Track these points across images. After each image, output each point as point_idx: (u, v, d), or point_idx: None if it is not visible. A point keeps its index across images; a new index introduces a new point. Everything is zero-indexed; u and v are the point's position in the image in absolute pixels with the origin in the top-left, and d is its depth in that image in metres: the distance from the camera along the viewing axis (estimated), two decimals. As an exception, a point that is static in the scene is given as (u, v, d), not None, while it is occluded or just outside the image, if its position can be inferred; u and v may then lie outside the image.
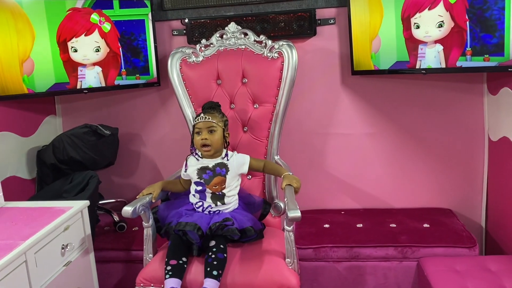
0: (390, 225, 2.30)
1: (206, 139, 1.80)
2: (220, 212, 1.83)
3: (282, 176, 1.80)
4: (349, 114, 2.51)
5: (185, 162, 1.90)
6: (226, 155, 1.87)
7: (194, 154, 1.90)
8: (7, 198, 1.94)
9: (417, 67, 2.15)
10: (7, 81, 2.23)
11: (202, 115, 1.83)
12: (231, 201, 1.85)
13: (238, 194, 1.91)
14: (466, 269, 1.88)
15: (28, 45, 2.26)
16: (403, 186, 2.54)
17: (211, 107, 1.88)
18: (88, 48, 2.38)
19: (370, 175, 2.55)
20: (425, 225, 2.27)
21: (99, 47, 2.39)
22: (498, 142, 2.20)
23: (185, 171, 1.88)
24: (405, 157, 2.51)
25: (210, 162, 1.84)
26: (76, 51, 2.36)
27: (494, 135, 2.25)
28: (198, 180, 1.83)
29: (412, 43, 2.15)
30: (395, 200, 2.56)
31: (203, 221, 1.74)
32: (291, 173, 1.81)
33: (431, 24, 2.06)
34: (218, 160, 1.85)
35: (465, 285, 1.77)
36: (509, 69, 1.86)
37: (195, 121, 1.84)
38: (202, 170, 1.83)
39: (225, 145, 1.89)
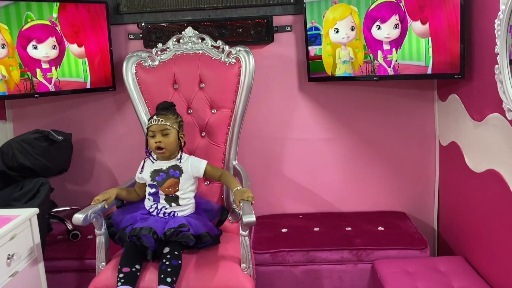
0: (346, 229, 2.34)
1: (160, 142, 1.79)
2: (175, 214, 1.81)
3: (233, 192, 1.78)
4: (306, 120, 2.54)
5: (141, 165, 1.89)
6: (181, 157, 1.85)
7: (149, 156, 1.87)
8: (-50, 206, 1.84)
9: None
10: None
11: (155, 117, 1.81)
12: (187, 204, 1.84)
13: (196, 200, 1.90)
14: (417, 270, 1.94)
15: None
16: (359, 190, 2.59)
17: (165, 108, 1.87)
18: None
19: (327, 179, 2.59)
20: (380, 228, 2.32)
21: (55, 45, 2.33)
22: (447, 147, 2.29)
23: (140, 173, 1.86)
24: (360, 162, 2.56)
25: (164, 165, 1.84)
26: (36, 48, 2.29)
27: (444, 140, 2.34)
28: (152, 182, 1.83)
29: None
30: (351, 203, 2.61)
31: (158, 226, 1.72)
32: (240, 187, 1.79)
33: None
34: (172, 162, 1.85)
35: (416, 285, 1.82)
36: (455, 76, 1.94)
37: (149, 124, 1.82)
38: (155, 173, 1.83)
39: (180, 147, 1.88)
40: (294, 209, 2.63)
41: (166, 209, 1.82)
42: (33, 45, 2.27)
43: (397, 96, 2.47)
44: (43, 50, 2.30)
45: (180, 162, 1.85)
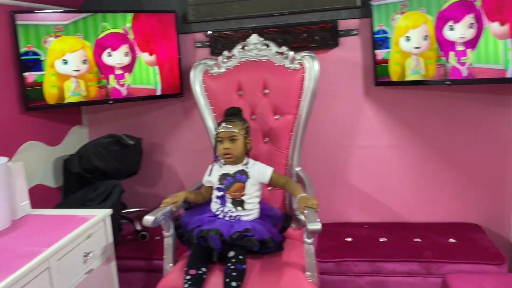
0: (414, 240, 2.24)
1: (228, 148, 1.83)
2: (241, 218, 1.83)
3: (297, 199, 1.77)
4: (372, 126, 2.47)
5: (209, 168, 1.93)
6: (247, 162, 1.88)
7: (217, 161, 1.91)
8: (34, 205, 1.98)
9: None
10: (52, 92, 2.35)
11: (223, 124, 1.85)
12: (252, 209, 1.85)
13: (261, 206, 1.91)
14: (495, 287, 1.81)
15: None
16: (428, 199, 2.48)
17: (232, 114, 1.90)
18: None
19: (394, 187, 2.50)
20: (451, 240, 2.20)
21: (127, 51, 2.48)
22: (528, 155, 2.13)
23: (209, 176, 1.91)
24: (430, 170, 2.45)
25: (231, 169, 1.87)
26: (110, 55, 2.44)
27: (523, 148, 2.17)
28: (219, 185, 1.86)
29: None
30: (419, 214, 2.49)
31: (224, 228, 1.75)
32: (304, 194, 1.78)
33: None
34: (239, 167, 1.87)
35: (493, 303, 1.70)
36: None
37: (217, 130, 1.87)
38: (223, 177, 1.86)
39: (247, 152, 1.90)
40: (359, 218, 2.56)
41: (232, 212, 1.84)
42: (108, 52, 2.41)
43: (471, 101, 2.33)
44: (117, 57, 2.43)
45: (247, 167, 1.87)
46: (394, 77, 2.27)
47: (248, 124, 1.93)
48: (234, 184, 1.84)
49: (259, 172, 1.87)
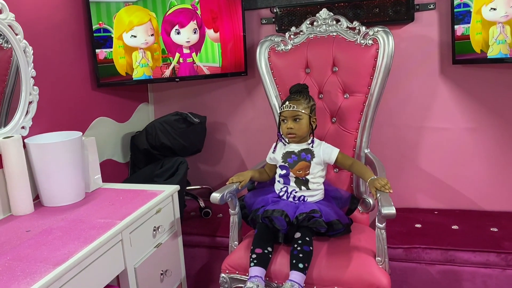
0: (491, 229, 2.10)
1: (291, 128, 1.79)
2: (305, 199, 1.79)
3: (368, 182, 1.70)
4: (447, 107, 2.32)
5: (273, 145, 1.91)
6: (312, 141, 1.83)
7: (281, 139, 1.88)
8: (104, 179, 2.05)
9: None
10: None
11: (287, 103, 1.80)
12: (316, 189, 1.81)
13: (326, 187, 1.86)
14: None
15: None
16: (506, 187, 2.31)
17: (297, 91, 1.84)
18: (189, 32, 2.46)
19: (469, 173, 2.35)
20: (533, 232, 2.04)
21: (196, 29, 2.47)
22: None
23: (273, 152, 1.89)
24: (509, 155, 2.27)
25: (296, 147, 1.83)
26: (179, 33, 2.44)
27: None
28: (283, 164, 1.83)
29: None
30: (496, 202, 2.33)
31: (289, 209, 1.72)
32: (375, 177, 1.70)
33: None
34: (304, 145, 1.83)
35: None
36: None
37: (281, 109, 1.82)
38: (287, 154, 1.83)
39: (312, 131, 1.84)
40: (429, 204, 2.44)
41: (296, 192, 1.80)
42: (175, 29, 2.41)
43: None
44: (185, 35, 2.43)
45: (312, 146, 1.82)
46: (477, 48, 2.09)
47: (314, 102, 1.86)
48: (298, 162, 1.80)
49: (325, 152, 1.81)
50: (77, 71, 2.23)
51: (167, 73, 2.46)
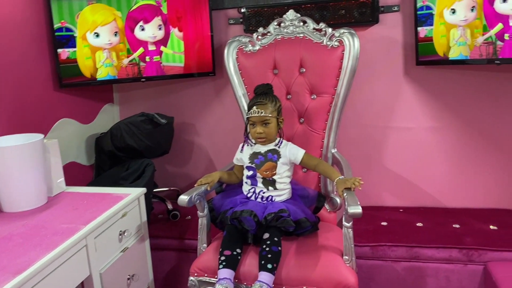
0: (453, 226, 2.17)
1: (261, 133, 1.79)
2: (273, 199, 1.80)
3: (335, 182, 1.72)
4: (411, 107, 2.38)
5: (241, 146, 1.91)
6: (280, 142, 1.84)
7: (247, 141, 1.89)
8: (67, 183, 1.99)
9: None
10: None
11: (255, 108, 1.79)
12: (283, 188, 1.82)
13: (293, 186, 1.87)
14: (541, 276, 1.73)
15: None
16: (467, 184, 2.39)
17: (263, 93, 1.84)
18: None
19: (432, 172, 2.42)
20: (492, 227, 2.12)
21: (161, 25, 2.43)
22: None
23: (241, 152, 1.89)
24: (471, 154, 2.35)
25: (263, 148, 1.84)
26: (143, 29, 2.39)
27: None
28: (250, 164, 1.83)
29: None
30: (458, 199, 2.41)
31: (258, 209, 1.72)
32: (342, 177, 1.72)
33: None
34: (271, 146, 1.84)
35: (541, 294, 1.63)
36: None
37: (249, 114, 1.82)
38: (254, 155, 1.84)
39: (279, 132, 1.87)
40: (394, 202, 2.50)
41: (263, 193, 1.81)
42: (140, 26, 2.37)
43: (518, 82, 2.22)
44: (150, 31, 2.39)
45: (278, 147, 1.83)
46: (440, 51, 2.15)
47: (280, 103, 1.87)
48: (265, 163, 1.81)
49: (291, 152, 1.83)
50: (38, 71, 2.15)
51: (125, 61, 2.40)
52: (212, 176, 1.83)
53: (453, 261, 1.99)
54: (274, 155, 1.81)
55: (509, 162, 2.31)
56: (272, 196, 1.81)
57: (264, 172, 1.80)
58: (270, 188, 1.81)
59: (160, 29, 2.40)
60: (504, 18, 1.92)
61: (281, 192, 1.82)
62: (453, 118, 2.34)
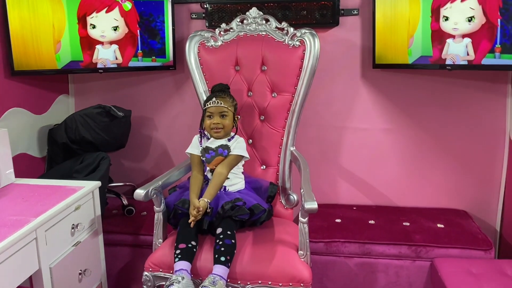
0: (404, 224, 2.25)
1: (218, 123, 1.82)
2: (227, 188, 1.83)
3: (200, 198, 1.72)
4: (367, 109, 2.45)
5: (198, 138, 1.91)
6: (232, 137, 1.88)
7: (202, 135, 1.90)
8: (17, 175, 1.91)
9: (445, 62, 2.09)
10: (43, 58, 2.26)
11: (214, 99, 1.83)
12: (235, 177, 1.86)
13: (246, 179, 1.91)
14: (482, 272, 1.84)
15: (61, 24, 2.28)
16: (418, 184, 2.49)
17: (221, 90, 1.89)
18: (107, 25, 2.33)
19: (385, 171, 2.50)
20: (440, 225, 2.22)
21: (117, 26, 2.35)
22: (519, 145, 2.15)
23: (200, 145, 1.88)
24: (421, 155, 2.45)
25: (214, 143, 1.86)
26: (94, 27, 2.32)
27: (516, 137, 2.19)
28: (202, 158, 1.87)
29: (439, 36, 2.09)
30: (408, 198, 2.51)
31: (213, 200, 1.73)
32: (207, 200, 1.70)
33: (461, 16, 2.00)
34: (222, 141, 1.86)
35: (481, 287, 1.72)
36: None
37: (207, 105, 1.84)
38: (205, 150, 1.86)
39: (234, 128, 1.91)
40: (348, 200, 2.56)
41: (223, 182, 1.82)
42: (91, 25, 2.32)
43: (467, 87, 2.33)
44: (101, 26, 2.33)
45: (229, 140, 1.86)
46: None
47: (237, 102, 1.92)
48: (215, 157, 1.84)
49: (237, 147, 1.84)
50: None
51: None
52: (194, 203, 1.70)
53: (402, 257, 2.07)
54: (225, 150, 1.84)
55: (457, 164, 2.43)
56: (225, 187, 1.83)
57: (214, 166, 1.83)
58: None
59: (115, 30, 2.36)
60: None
61: (234, 182, 1.85)
62: (405, 120, 2.43)
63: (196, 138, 1.92)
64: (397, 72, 2.37)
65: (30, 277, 1.49)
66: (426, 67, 2.20)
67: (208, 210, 1.69)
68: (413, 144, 2.45)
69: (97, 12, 2.31)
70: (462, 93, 2.35)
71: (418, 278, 2.06)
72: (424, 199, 2.49)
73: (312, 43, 2.00)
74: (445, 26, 2.07)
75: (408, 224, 2.25)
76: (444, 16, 2.06)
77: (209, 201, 1.70)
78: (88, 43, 2.35)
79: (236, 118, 1.89)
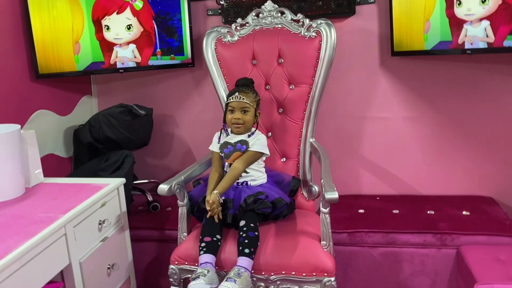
0: (428, 212, 2.23)
1: (239, 118, 1.82)
2: (248, 182, 1.84)
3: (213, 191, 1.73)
4: (387, 97, 2.43)
5: (218, 135, 1.92)
6: (252, 133, 1.88)
7: (224, 130, 1.91)
8: (45, 174, 1.97)
9: (464, 46, 2.05)
10: (62, 61, 2.32)
11: (236, 94, 1.83)
12: (256, 172, 1.86)
13: (268, 173, 1.92)
14: (510, 258, 1.80)
15: (80, 26, 2.33)
16: (442, 172, 2.45)
17: (245, 85, 1.89)
18: (120, 26, 2.38)
19: (408, 160, 2.48)
20: (465, 213, 2.19)
21: (131, 25, 2.39)
22: (546, 128, 2.09)
23: (218, 142, 1.90)
24: (444, 143, 2.42)
25: (234, 139, 1.86)
26: (108, 29, 2.37)
27: (542, 121, 2.13)
28: (220, 154, 1.88)
29: (456, 22, 2.05)
30: (433, 186, 2.48)
31: (235, 194, 1.76)
32: (216, 192, 1.71)
33: (474, 0, 1.96)
34: (242, 137, 1.86)
35: (510, 274, 1.69)
36: None
37: (229, 99, 1.84)
38: (224, 145, 1.87)
39: (255, 124, 1.91)
40: (371, 190, 2.54)
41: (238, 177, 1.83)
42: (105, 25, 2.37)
43: (489, 72, 2.28)
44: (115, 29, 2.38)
45: (249, 136, 1.87)
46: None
47: (259, 97, 1.92)
48: (233, 153, 1.84)
49: (256, 143, 1.84)
50: (15, 62, 2.12)
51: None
52: (213, 198, 1.70)
53: (427, 246, 2.04)
54: (243, 145, 1.84)
55: (481, 150, 2.38)
56: (246, 181, 1.84)
57: (232, 162, 1.84)
58: (243, 173, 1.83)
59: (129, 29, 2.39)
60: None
61: (254, 176, 1.85)
62: (427, 107, 2.40)
63: (216, 135, 1.93)
64: (416, 59, 2.34)
65: (62, 272, 1.54)
66: (446, 53, 2.16)
67: (221, 201, 1.70)
68: (436, 131, 2.42)
69: (109, 15, 2.36)
70: (484, 77, 2.30)
71: (444, 266, 2.04)
72: (449, 186, 2.45)
73: (328, 33, 1.99)
74: (459, 12, 2.02)
75: (432, 212, 2.23)
76: (457, 1, 2.02)
77: (218, 193, 1.70)
78: (107, 45, 2.40)
79: (257, 114, 1.89)
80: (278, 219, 1.83)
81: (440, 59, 2.32)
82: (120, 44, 2.40)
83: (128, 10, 2.37)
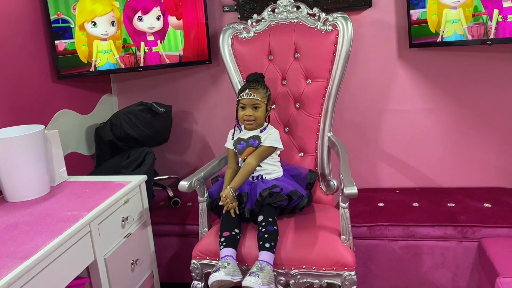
0: (448, 204, 2.21)
1: (250, 115, 1.84)
2: (263, 176, 1.85)
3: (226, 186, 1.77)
4: (405, 89, 2.41)
5: (232, 132, 1.95)
6: (265, 128, 1.89)
7: (237, 126, 1.94)
8: (69, 173, 2.03)
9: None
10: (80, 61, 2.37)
11: (247, 91, 1.84)
12: (271, 165, 1.87)
13: (284, 167, 1.93)
14: (533, 251, 1.78)
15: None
16: (462, 164, 2.43)
17: (255, 80, 1.90)
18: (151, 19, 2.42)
19: (427, 152, 2.46)
20: (486, 205, 2.16)
21: (160, 15, 2.42)
22: None
23: (232, 139, 1.93)
24: (464, 134, 2.39)
25: (247, 134, 1.88)
26: (141, 20, 2.40)
27: None
28: (234, 150, 1.91)
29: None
30: (453, 179, 2.45)
31: (251, 189, 1.78)
32: (230, 187, 1.73)
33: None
34: (255, 132, 1.88)
35: (532, 267, 1.68)
36: None
37: (240, 97, 1.86)
38: (237, 141, 1.89)
39: (267, 119, 1.92)
40: (390, 183, 2.53)
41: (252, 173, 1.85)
42: (138, 16, 2.38)
43: (510, 61, 2.24)
44: (148, 21, 2.40)
45: (261, 131, 1.88)
46: (432, 28, 2.17)
47: (270, 92, 1.93)
48: (246, 148, 1.86)
49: (266, 139, 1.85)
50: (36, 63, 2.17)
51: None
52: (227, 194, 1.73)
53: (448, 239, 2.03)
54: (256, 141, 1.86)
55: (502, 142, 2.35)
56: (261, 175, 1.86)
57: (246, 157, 1.85)
58: (257, 167, 1.85)
59: (158, 19, 2.41)
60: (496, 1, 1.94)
61: (270, 171, 1.86)
62: (446, 99, 2.37)
63: (230, 132, 1.95)
64: (434, 50, 2.31)
65: (87, 268, 1.59)
66: (465, 43, 2.12)
67: (235, 195, 1.73)
68: (456, 123, 2.39)
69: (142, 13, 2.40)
70: (504, 67, 2.26)
71: (465, 259, 2.02)
72: (470, 178, 2.43)
73: (345, 26, 1.98)
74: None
75: (453, 205, 2.21)
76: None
77: (232, 188, 1.73)
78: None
79: (268, 109, 1.90)
80: (295, 212, 1.84)
81: (458, 49, 2.28)
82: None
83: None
